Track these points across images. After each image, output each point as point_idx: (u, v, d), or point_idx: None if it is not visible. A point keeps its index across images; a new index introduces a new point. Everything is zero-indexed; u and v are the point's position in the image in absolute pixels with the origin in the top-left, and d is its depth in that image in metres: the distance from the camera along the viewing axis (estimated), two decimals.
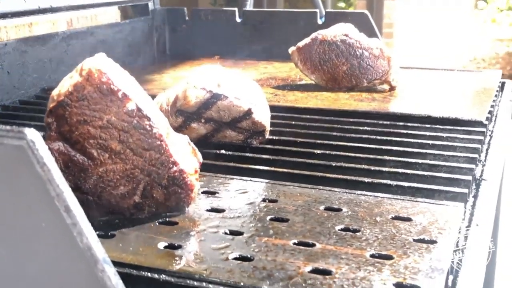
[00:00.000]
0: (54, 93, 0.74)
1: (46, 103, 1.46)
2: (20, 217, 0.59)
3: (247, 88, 1.13)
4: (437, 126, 1.22)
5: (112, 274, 0.58)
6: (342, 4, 6.69)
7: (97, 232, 0.77)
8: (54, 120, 0.73)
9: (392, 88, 1.51)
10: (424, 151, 1.08)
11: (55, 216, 0.58)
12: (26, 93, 1.54)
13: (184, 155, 0.81)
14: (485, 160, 1.08)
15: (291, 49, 1.57)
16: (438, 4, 6.82)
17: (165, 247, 0.73)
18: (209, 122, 1.10)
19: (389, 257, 0.70)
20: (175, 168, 0.79)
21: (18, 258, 0.60)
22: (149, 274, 0.68)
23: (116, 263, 0.69)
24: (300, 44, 1.56)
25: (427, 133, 1.18)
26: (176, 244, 0.73)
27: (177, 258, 0.70)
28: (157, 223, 0.79)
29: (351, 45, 1.51)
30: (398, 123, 1.25)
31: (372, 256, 0.70)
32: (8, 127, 0.57)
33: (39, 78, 1.58)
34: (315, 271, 0.67)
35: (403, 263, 0.68)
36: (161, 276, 0.67)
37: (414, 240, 0.74)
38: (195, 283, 0.66)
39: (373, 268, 0.67)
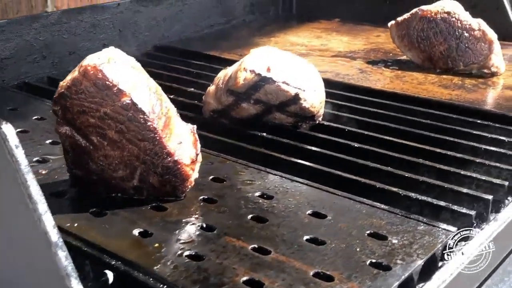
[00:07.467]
0: (61, 83, 0.82)
1: (152, 62, 1.58)
2: None
3: (299, 72, 1.13)
4: (508, 127, 1.12)
5: (63, 257, 0.66)
6: None
7: (93, 209, 0.86)
8: (59, 108, 0.82)
9: (491, 75, 1.40)
10: (469, 158, 1.01)
11: (21, 201, 0.67)
12: (138, 50, 1.66)
13: (184, 145, 0.87)
14: None
15: (390, 23, 1.51)
16: None
17: (139, 233, 0.80)
18: (258, 103, 1.14)
19: (330, 278, 0.70)
20: (169, 159, 0.85)
21: None
22: (107, 259, 0.74)
23: (89, 244, 0.78)
24: (399, 19, 1.49)
25: (489, 135, 1.10)
26: (149, 232, 0.80)
27: (141, 247, 0.76)
28: (149, 207, 0.86)
29: (451, 24, 1.42)
30: (468, 119, 1.17)
31: (315, 274, 0.71)
32: None
33: (151, 36, 1.70)
34: (248, 282, 0.70)
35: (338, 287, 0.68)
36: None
37: (370, 263, 0.73)
38: (141, 275, 0.72)
39: None
